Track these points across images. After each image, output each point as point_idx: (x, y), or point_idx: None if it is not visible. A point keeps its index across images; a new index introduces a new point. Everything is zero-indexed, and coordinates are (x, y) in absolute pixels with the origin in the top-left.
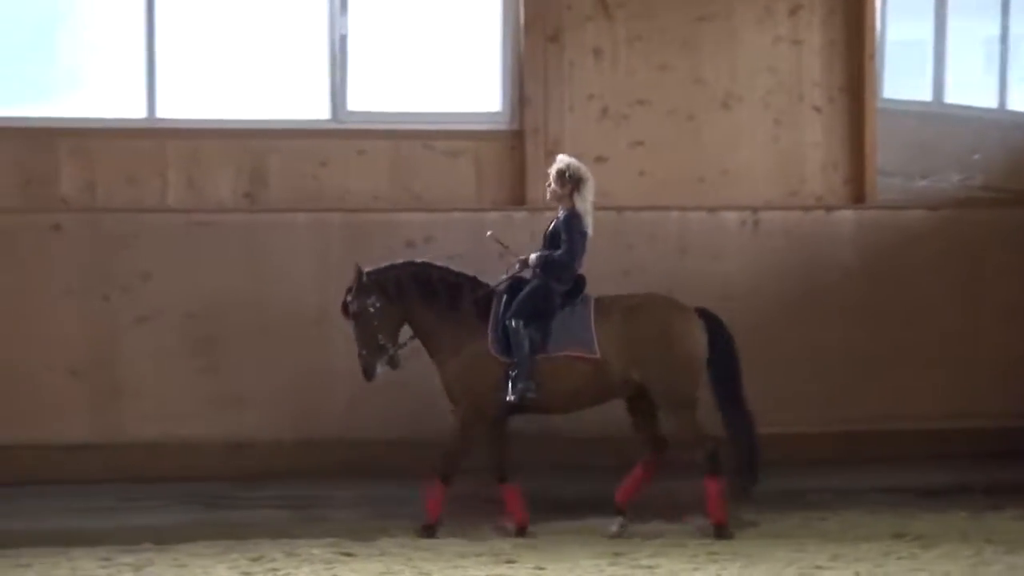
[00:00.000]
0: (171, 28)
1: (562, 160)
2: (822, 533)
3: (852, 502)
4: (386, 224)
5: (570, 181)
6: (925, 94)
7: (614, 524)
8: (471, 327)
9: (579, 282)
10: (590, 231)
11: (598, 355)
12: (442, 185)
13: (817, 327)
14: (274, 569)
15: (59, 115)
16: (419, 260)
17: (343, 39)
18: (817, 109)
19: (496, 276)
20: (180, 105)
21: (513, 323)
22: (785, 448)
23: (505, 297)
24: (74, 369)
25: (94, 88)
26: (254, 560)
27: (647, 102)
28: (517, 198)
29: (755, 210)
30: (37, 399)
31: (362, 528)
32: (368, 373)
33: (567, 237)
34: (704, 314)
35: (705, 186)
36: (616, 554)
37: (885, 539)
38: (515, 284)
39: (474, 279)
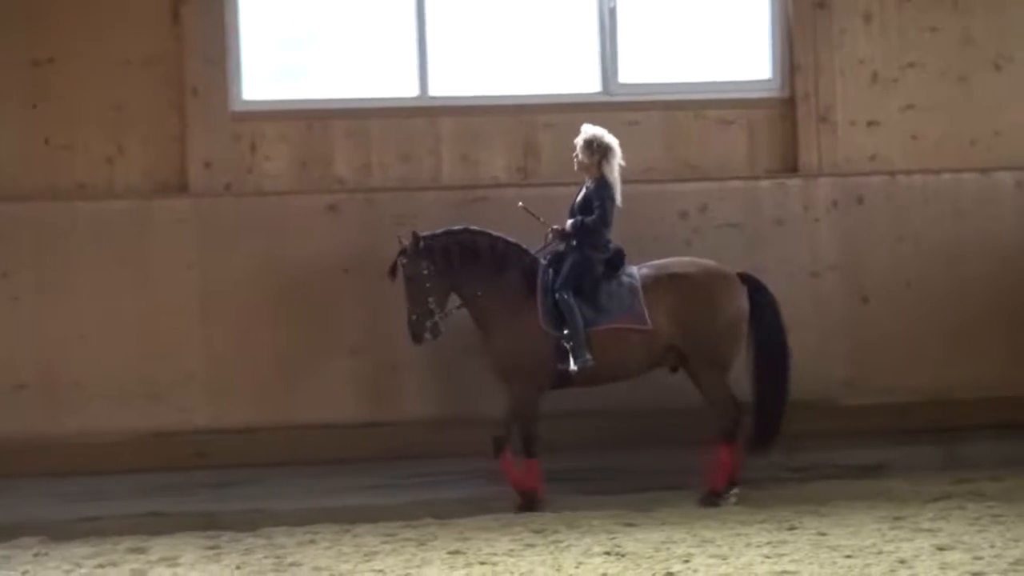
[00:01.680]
0: (441, 6)
1: (588, 130)
2: None
3: None
4: (659, 195)
5: (598, 151)
6: None
7: (732, 496)
8: (518, 300)
9: (619, 253)
10: (619, 199)
11: (650, 327)
12: (715, 154)
13: None
14: (557, 540)
15: (334, 96)
16: (473, 228)
17: (612, 11)
18: None
19: (774, 245)
20: (452, 82)
21: (564, 296)
22: None
23: (551, 270)
24: (354, 348)
25: (367, 69)
26: (537, 532)
27: (918, 65)
28: (789, 165)
29: None
30: (318, 379)
31: (643, 499)
32: (417, 336)
33: (599, 204)
34: (747, 279)
35: (978, 148)
36: (897, 518)
37: None
38: (557, 257)
39: (522, 250)
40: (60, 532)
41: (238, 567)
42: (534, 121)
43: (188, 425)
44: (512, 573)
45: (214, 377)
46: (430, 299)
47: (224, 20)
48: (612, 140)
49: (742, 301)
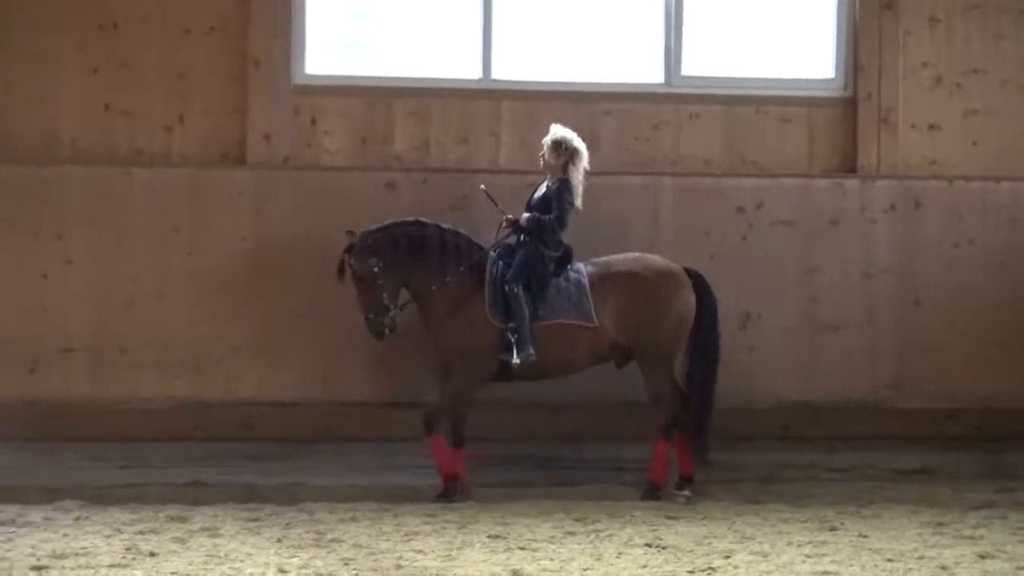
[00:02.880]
0: None
1: (557, 131)
2: None
3: None
4: (716, 189)
5: (565, 153)
6: None
7: (680, 497)
8: (467, 290)
9: (568, 251)
10: (579, 203)
11: (596, 324)
12: (774, 151)
13: None
14: (597, 530)
15: (396, 75)
16: (420, 219)
17: (679, 3)
18: None
19: (829, 244)
20: (515, 67)
21: (513, 288)
22: None
23: (500, 262)
24: (402, 328)
25: (431, 49)
26: (577, 520)
27: (982, 71)
28: (848, 165)
29: None
30: (365, 357)
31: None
32: (378, 334)
33: (558, 205)
34: (692, 275)
35: None
36: (939, 524)
37: None
38: (508, 249)
39: (471, 241)
40: (102, 497)
41: (279, 540)
42: (595, 109)
43: (234, 396)
44: (552, 560)
45: (262, 350)
46: (384, 295)
47: None
48: (580, 144)
49: (689, 297)
